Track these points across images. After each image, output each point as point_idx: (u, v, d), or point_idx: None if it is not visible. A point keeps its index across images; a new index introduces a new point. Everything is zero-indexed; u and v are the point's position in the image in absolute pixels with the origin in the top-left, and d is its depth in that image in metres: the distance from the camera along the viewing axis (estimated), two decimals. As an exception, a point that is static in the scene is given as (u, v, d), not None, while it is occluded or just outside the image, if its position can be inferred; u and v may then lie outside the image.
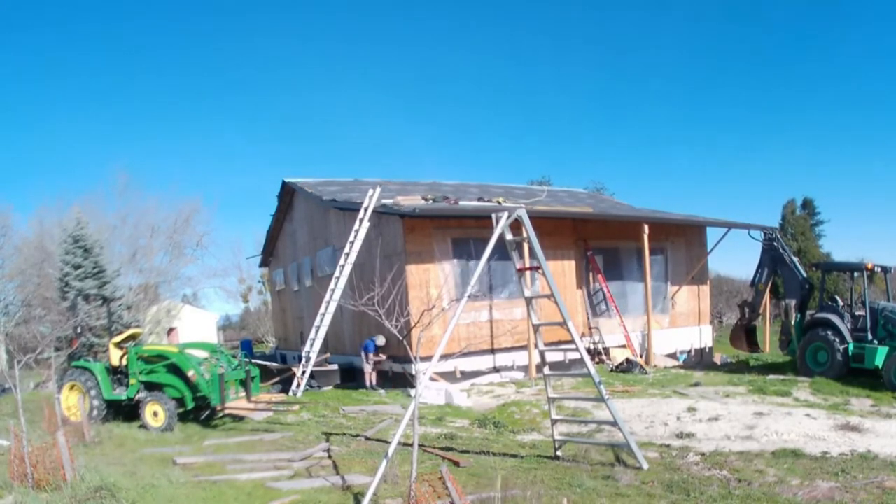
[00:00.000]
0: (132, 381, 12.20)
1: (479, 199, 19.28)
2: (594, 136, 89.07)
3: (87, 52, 77.42)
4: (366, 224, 16.46)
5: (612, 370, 17.11)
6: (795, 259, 17.67)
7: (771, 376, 15.11)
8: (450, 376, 15.75)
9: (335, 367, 17.99)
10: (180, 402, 11.92)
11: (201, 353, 12.44)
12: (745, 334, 18.50)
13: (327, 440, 10.17)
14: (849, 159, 78.54)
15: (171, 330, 33.80)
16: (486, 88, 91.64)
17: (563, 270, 18.00)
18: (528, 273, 9.90)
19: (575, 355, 14.27)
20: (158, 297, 29.86)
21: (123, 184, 29.31)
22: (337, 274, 16.65)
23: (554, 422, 8.99)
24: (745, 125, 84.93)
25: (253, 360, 15.43)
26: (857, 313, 14.95)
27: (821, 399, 12.54)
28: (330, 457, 9.11)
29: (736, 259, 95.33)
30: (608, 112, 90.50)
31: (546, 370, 8.99)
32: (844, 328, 14.69)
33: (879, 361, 13.70)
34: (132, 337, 13.24)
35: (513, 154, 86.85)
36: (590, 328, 18.67)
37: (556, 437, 9.02)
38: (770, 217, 50.06)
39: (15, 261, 28.12)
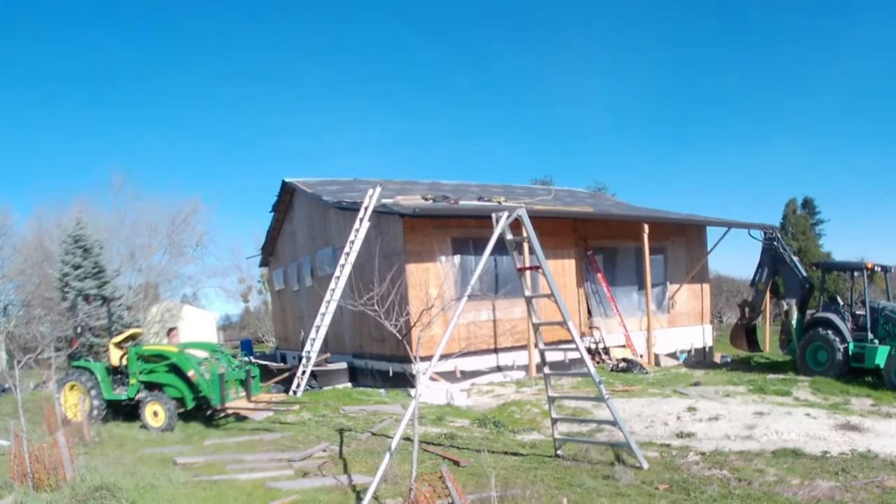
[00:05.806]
0: (132, 381, 12.20)
1: (479, 199, 19.28)
2: (596, 137, 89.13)
3: (86, 52, 77.49)
4: (366, 224, 16.46)
5: (612, 370, 17.10)
6: (796, 258, 17.68)
7: (771, 376, 15.11)
8: (450, 376, 15.75)
9: (343, 365, 18.09)
10: (180, 401, 11.92)
11: (201, 353, 12.43)
12: (746, 334, 18.50)
13: (330, 439, 10.17)
14: (849, 159, 78.65)
15: (171, 330, 33.72)
16: (486, 88, 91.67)
17: (563, 270, 18.00)
18: (528, 272, 9.89)
19: (575, 355, 14.28)
20: (158, 296, 29.80)
21: (119, 183, 29.31)
22: (337, 274, 16.64)
23: (554, 421, 8.99)
24: (745, 125, 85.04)
25: (253, 360, 15.43)
26: (857, 313, 14.96)
27: (821, 398, 12.55)
28: (333, 456, 9.12)
29: (736, 259, 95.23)
30: (610, 112, 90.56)
31: (546, 370, 8.99)
32: (844, 327, 14.69)
33: (880, 361, 13.71)
34: (132, 337, 13.23)
35: (514, 154, 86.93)
36: (590, 327, 18.66)
37: (557, 437, 9.01)
38: (771, 216, 50.20)
39: (14, 261, 28.06)
